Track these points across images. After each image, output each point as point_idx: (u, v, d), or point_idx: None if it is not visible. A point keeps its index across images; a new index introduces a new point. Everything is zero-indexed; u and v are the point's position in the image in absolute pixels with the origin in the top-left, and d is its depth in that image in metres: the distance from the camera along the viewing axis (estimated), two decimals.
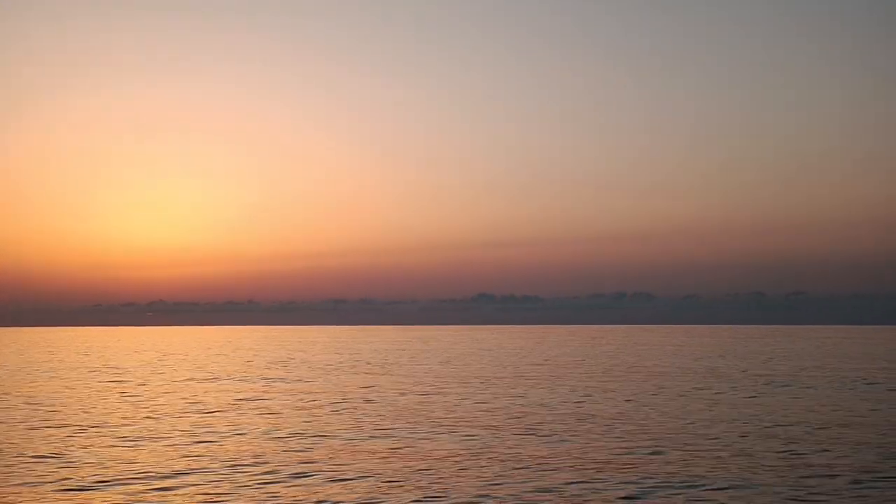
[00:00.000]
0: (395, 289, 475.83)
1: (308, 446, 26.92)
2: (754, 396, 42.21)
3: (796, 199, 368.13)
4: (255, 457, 24.95)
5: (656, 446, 26.57)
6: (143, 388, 49.46)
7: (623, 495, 19.81)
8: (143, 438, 28.60)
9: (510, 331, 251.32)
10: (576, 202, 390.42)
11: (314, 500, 19.44)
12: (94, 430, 30.64)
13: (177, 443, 27.65)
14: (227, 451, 26.05)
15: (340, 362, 76.57)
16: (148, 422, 33.18)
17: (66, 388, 49.38)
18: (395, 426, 31.59)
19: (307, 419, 33.89)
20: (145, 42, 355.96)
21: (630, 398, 41.47)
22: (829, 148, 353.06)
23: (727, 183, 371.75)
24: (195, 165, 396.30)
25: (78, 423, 32.37)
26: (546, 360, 79.61)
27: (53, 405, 39.38)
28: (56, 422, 33.06)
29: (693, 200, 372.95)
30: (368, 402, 40.74)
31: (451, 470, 22.92)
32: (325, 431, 30.23)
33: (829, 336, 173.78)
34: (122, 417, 34.61)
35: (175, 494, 19.95)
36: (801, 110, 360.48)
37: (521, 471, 22.69)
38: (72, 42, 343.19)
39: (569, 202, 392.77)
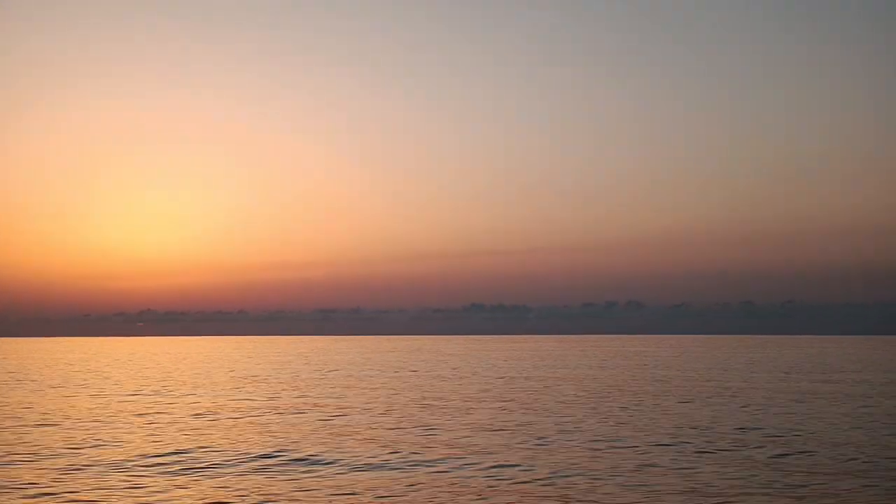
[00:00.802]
0: (386, 298, 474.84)
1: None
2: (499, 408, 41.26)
3: (787, 208, 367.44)
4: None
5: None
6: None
7: None
8: None
9: (484, 341, 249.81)
10: (567, 211, 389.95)
11: None
12: None
13: None
14: None
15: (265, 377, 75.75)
16: None
17: None
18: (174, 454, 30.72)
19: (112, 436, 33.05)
20: (134, 51, 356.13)
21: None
22: (820, 157, 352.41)
23: (718, 192, 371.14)
24: (184, 175, 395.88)
25: None
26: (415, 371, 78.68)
27: None
28: None
29: (684, 209, 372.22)
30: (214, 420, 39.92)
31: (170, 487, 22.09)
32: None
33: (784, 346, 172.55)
34: None
35: None
36: (792, 119, 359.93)
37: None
38: (61, 52, 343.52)
39: (560, 211, 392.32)
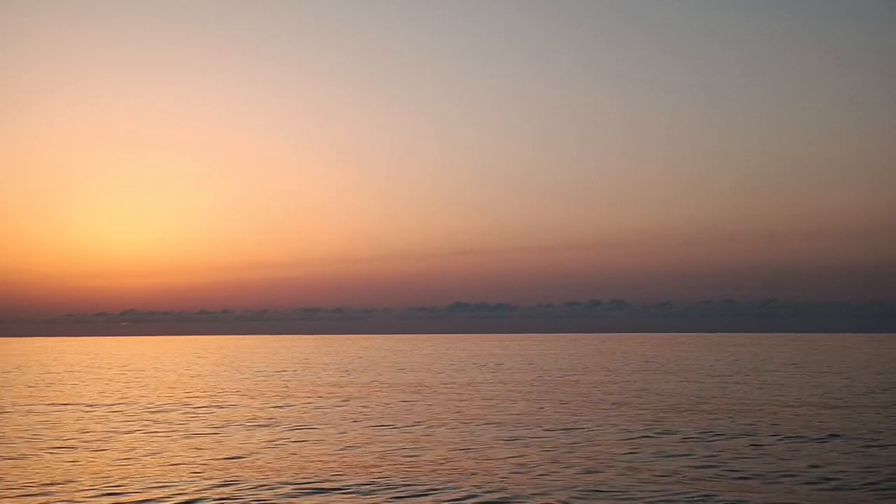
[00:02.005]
0: (370, 298, 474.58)
1: None
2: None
3: (769, 208, 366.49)
4: None
5: None
6: None
7: None
8: None
9: (438, 340, 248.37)
10: (551, 210, 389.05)
11: None
12: None
13: None
14: None
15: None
16: None
17: None
18: None
19: None
20: (115, 56, 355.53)
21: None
22: (803, 158, 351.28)
23: (701, 192, 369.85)
24: (168, 175, 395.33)
25: None
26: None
27: None
28: None
29: (667, 209, 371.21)
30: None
31: None
32: None
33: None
34: None
35: None
36: (775, 121, 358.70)
37: None
38: (40, 59, 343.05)
39: (544, 210, 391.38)
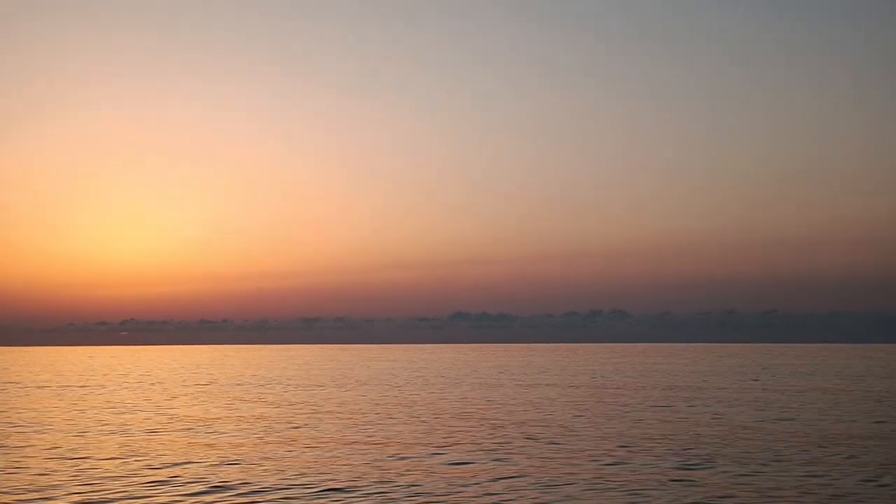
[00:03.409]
0: (371, 307, 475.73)
1: None
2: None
3: (770, 218, 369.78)
4: None
5: None
6: None
7: None
8: None
9: (427, 350, 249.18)
10: (551, 220, 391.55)
11: None
12: None
13: None
14: None
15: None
16: None
17: None
18: None
19: None
20: (117, 65, 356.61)
21: None
22: (801, 168, 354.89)
23: (702, 202, 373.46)
24: (168, 185, 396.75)
25: None
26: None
27: None
28: None
29: (668, 220, 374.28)
30: None
31: None
32: None
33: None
34: None
35: None
36: (774, 131, 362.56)
37: None
38: (46, 68, 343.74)
39: (544, 220, 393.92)
